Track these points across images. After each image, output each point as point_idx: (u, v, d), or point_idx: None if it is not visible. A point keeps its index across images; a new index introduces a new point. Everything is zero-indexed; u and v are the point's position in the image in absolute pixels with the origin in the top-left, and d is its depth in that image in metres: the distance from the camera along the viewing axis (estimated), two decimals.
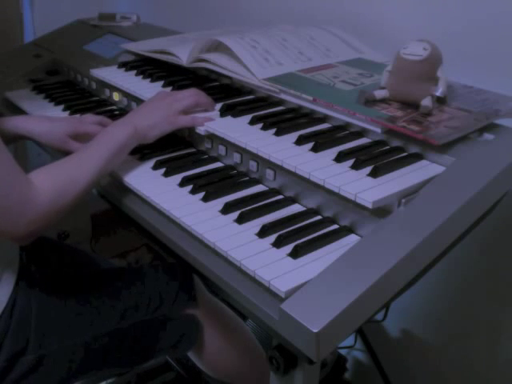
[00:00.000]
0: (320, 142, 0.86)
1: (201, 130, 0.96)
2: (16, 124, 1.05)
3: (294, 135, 0.89)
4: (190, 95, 1.00)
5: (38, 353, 0.91)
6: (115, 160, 0.90)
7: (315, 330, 0.57)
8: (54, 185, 0.80)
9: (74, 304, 0.97)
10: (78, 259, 1.19)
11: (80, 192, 0.83)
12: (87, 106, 1.24)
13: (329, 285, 0.62)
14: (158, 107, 0.97)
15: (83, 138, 1.05)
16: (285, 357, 0.69)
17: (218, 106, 1.02)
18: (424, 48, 0.87)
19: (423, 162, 0.82)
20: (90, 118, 1.10)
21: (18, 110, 1.28)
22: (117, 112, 1.21)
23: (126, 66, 1.26)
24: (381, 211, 0.73)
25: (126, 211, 0.90)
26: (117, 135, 0.91)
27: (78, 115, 1.19)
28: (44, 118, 1.10)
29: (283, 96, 1.01)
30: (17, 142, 1.11)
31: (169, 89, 1.13)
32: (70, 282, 1.01)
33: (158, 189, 0.88)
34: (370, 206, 0.72)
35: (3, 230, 0.77)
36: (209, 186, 0.87)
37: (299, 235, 0.75)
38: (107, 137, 0.91)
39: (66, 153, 1.05)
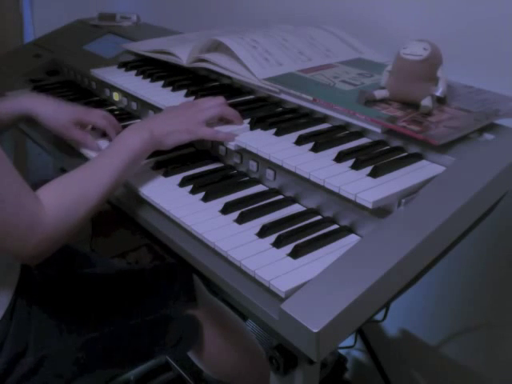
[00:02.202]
0: (320, 142, 0.86)
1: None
2: (21, 102, 1.04)
3: (294, 135, 0.89)
4: (216, 105, 0.94)
5: (38, 354, 0.91)
6: (130, 169, 0.86)
7: (315, 330, 0.57)
8: (62, 203, 0.76)
9: (73, 305, 0.97)
10: (78, 260, 1.19)
11: (92, 207, 0.79)
12: (87, 105, 1.24)
13: (329, 285, 0.62)
14: (178, 114, 0.93)
15: (86, 129, 1.04)
16: (285, 357, 0.69)
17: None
18: (424, 48, 0.87)
19: (423, 162, 0.82)
20: (98, 111, 1.08)
21: None
22: (117, 112, 1.21)
23: (126, 66, 1.26)
24: (381, 211, 0.73)
25: (126, 211, 0.90)
26: (132, 143, 0.85)
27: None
28: (51, 100, 1.08)
29: (283, 96, 1.01)
30: (17, 143, 1.11)
31: (169, 89, 1.13)
32: (71, 283, 1.01)
33: (158, 189, 0.88)
34: (370, 206, 0.72)
35: (11, 251, 0.74)
36: (209, 185, 0.87)
37: (299, 235, 0.75)
38: (121, 144, 0.86)
39: (69, 153, 1.05)
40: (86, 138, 1.02)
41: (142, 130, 0.88)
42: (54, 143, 1.13)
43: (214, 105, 0.94)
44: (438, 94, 0.87)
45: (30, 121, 1.08)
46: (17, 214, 0.71)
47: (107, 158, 0.84)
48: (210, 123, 0.93)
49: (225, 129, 0.93)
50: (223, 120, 0.95)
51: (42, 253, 0.76)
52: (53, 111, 1.03)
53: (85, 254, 1.23)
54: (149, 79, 1.18)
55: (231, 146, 0.91)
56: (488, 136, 0.84)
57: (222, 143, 0.95)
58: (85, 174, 0.82)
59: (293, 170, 0.81)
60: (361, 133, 0.91)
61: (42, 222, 0.73)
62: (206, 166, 0.96)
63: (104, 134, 1.07)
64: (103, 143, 1.04)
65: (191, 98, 1.07)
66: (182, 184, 0.89)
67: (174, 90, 1.12)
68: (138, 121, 1.15)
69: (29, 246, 0.73)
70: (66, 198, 0.77)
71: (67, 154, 1.08)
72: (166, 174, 0.92)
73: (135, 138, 0.86)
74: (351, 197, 0.74)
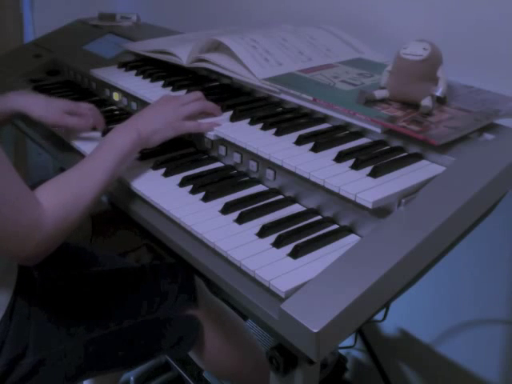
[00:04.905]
0: (320, 142, 0.86)
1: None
2: (12, 99, 1.07)
3: (294, 135, 0.89)
4: (196, 99, 0.99)
5: (38, 356, 0.91)
6: (120, 168, 0.89)
7: (315, 330, 0.57)
8: (60, 203, 0.77)
9: (73, 306, 0.97)
10: (79, 259, 1.19)
11: (87, 206, 0.81)
12: None
13: (329, 285, 0.62)
14: (162, 111, 0.96)
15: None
16: (285, 357, 0.69)
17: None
18: (424, 48, 0.87)
19: (423, 162, 0.82)
20: (85, 104, 1.11)
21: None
22: (117, 112, 1.21)
23: (126, 66, 1.26)
24: (381, 211, 0.73)
25: (126, 211, 0.90)
26: (121, 143, 0.89)
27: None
28: (40, 95, 1.14)
29: (283, 96, 1.01)
30: (17, 143, 1.11)
31: (169, 89, 1.13)
32: (70, 283, 1.01)
33: (157, 189, 0.88)
34: (370, 206, 0.72)
35: (12, 252, 0.75)
36: (209, 185, 0.87)
37: (299, 235, 0.75)
38: (111, 145, 0.89)
39: (66, 152, 1.05)
40: (79, 123, 1.06)
41: (130, 130, 0.91)
42: (53, 143, 1.13)
43: (195, 99, 0.99)
44: (438, 93, 0.87)
45: (23, 118, 1.10)
46: (17, 216, 0.72)
47: (100, 158, 0.87)
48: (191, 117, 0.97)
49: (227, 128, 0.93)
50: (203, 113, 0.99)
51: (42, 253, 0.78)
52: (44, 104, 1.07)
53: (87, 252, 1.22)
54: (149, 79, 1.18)
55: (233, 140, 0.92)
56: (488, 136, 0.84)
57: (222, 144, 0.95)
58: (80, 173, 0.84)
59: (293, 170, 0.81)
60: (361, 133, 0.91)
61: (42, 222, 0.74)
62: (206, 166, 0.96)
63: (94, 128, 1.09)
64: (95, 134, 1.08)
65: None
66: (182, 184, 0.89)
67: (174, 89, 1.12)
68: None
69: (29, 246, 0.75)
70: (64, 198, 0.79)
71: (67, 154, 1.08)
72: (166, 174, 0.92)
73: (125, 139, 0.90)
74: (351, 197, 0.74)
